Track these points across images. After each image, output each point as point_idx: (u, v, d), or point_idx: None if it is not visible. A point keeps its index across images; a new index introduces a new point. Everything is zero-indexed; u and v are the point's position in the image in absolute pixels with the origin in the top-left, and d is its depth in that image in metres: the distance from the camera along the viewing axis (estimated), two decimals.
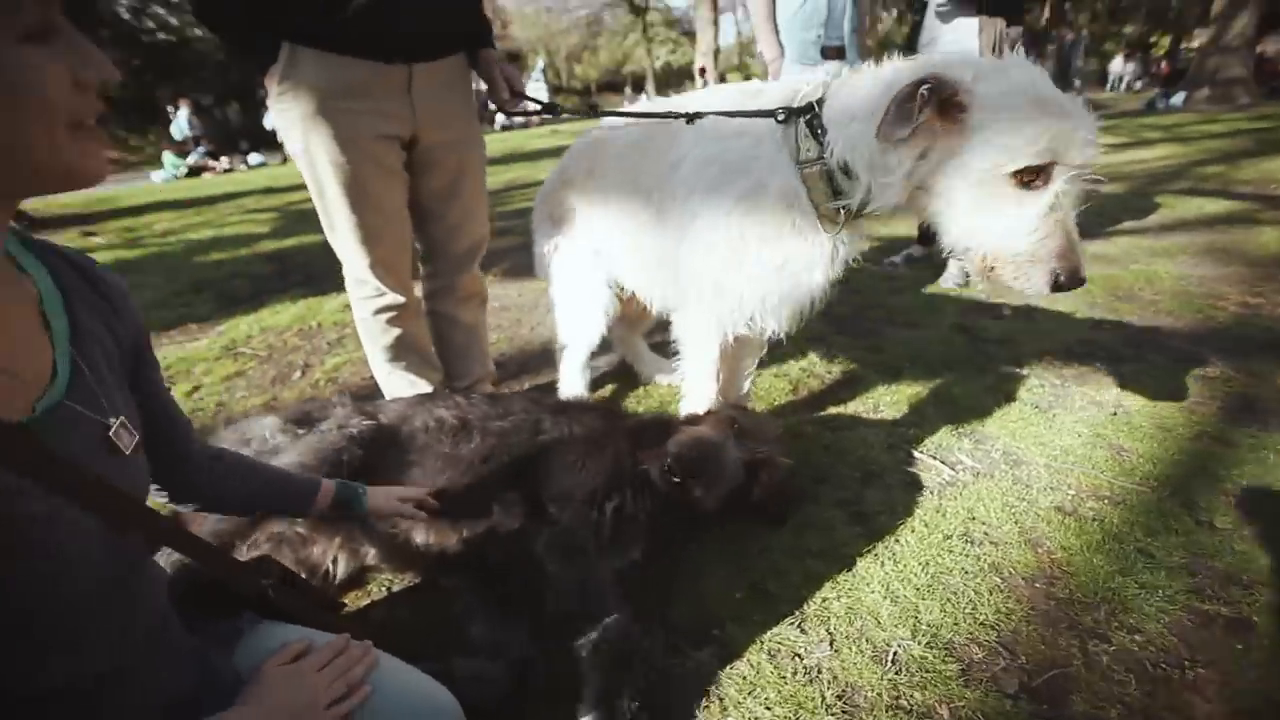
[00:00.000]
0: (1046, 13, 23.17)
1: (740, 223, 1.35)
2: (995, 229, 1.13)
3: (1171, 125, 9.84)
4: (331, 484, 1.11)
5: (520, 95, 1.74)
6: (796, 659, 1.17)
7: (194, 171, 12.90)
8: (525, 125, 21.67)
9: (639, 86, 33.30)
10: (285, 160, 13.93)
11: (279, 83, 1.38)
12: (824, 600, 1.29)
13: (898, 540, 1.44)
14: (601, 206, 1.74)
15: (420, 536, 1.27)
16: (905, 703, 1.08)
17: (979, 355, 2.33)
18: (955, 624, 1.22)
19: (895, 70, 1.19)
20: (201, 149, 13.55)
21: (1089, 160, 1.09)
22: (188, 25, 20.67)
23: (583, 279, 1.88)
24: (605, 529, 1.26)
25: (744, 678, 1.14)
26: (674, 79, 32.95)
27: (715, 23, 23.99)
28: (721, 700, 1.11)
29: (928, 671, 1.13)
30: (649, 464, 1.31)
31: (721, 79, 25.45)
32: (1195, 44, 18.31)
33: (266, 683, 0.78)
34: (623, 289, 1.88)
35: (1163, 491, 1.54)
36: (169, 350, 2.91)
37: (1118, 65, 19.95)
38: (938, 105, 1.08)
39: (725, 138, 1.38)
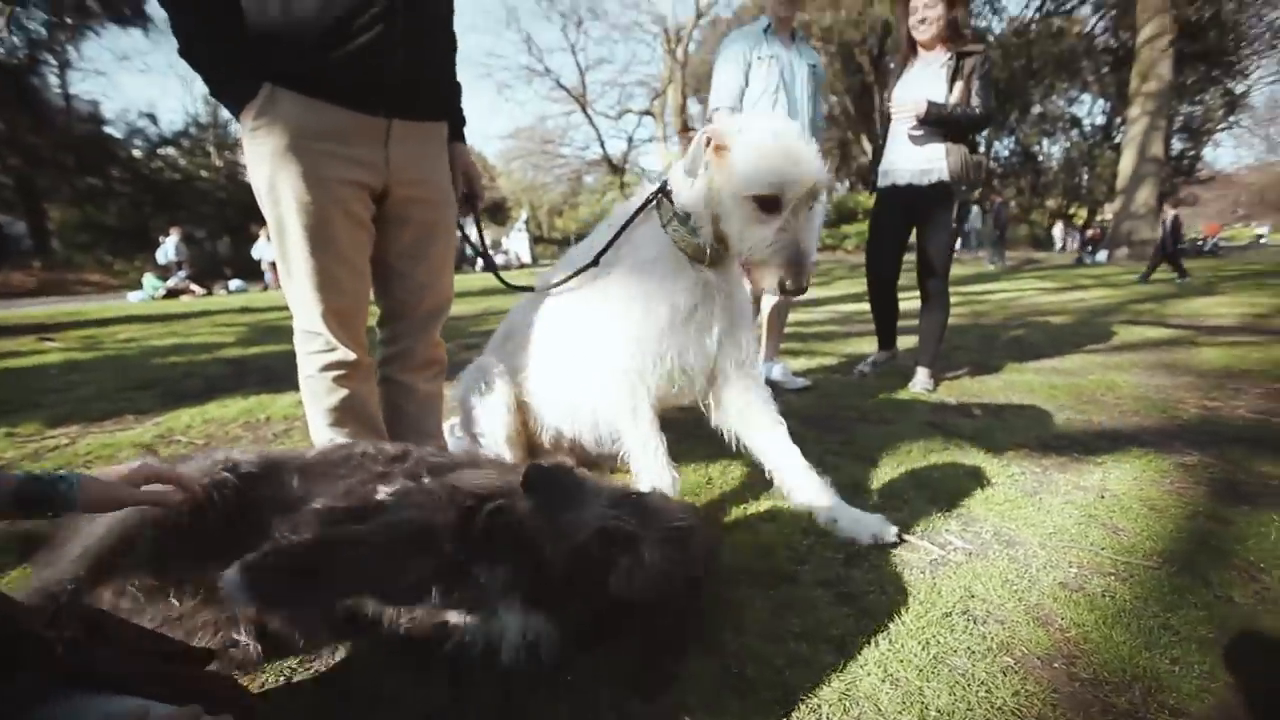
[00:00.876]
0: (978, 189, 26.28)
1: (641, 281, 1.67)
2: (747, 239, 1.48)
3: (1101, 275, 10.80)
4: (13, 477, 0.86)
5: (474, 200, 1.85)
6: None
7: (172, 294, 13.00)
8: (506, 266, 22.83)
9: None
10: (266, 288, 14.24)
11: (254, 117, 1.38)
12: (813, 686, 1.08)
13: (891, 619, 1.26)
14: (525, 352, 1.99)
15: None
16: None
17: (954, 447, 2.27)
18: (969, 709, 1.02)
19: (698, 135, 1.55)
20: (183, 273, 13.77)
21: (807, 193, 1.43)
22: (196, 166, 22.15)
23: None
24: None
25: None
26: None
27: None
28: None
29: None
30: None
31: None
32: (1108, 215, 20.81)
33: None
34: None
35: (1170, 568, 1.42)
36: (95, 439, 2.67)
37: (1058, 231, 24.75)
38: (715, 148, 1.50)
39: (622, 240, 1.77)
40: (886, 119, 3.21)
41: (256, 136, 1.40)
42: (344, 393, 1.60)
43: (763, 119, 1.52)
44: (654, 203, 1.71)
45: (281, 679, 1.15)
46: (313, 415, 1.63)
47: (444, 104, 1.67)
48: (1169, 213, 10.28)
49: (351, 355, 1.57)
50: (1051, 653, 1.16)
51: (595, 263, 1.77)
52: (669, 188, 1.67)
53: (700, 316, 1.67)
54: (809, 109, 3.10)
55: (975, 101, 2.91)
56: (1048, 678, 1.09)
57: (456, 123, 1.76)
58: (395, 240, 1.63)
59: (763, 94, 3.01)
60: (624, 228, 1.75)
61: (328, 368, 1.57)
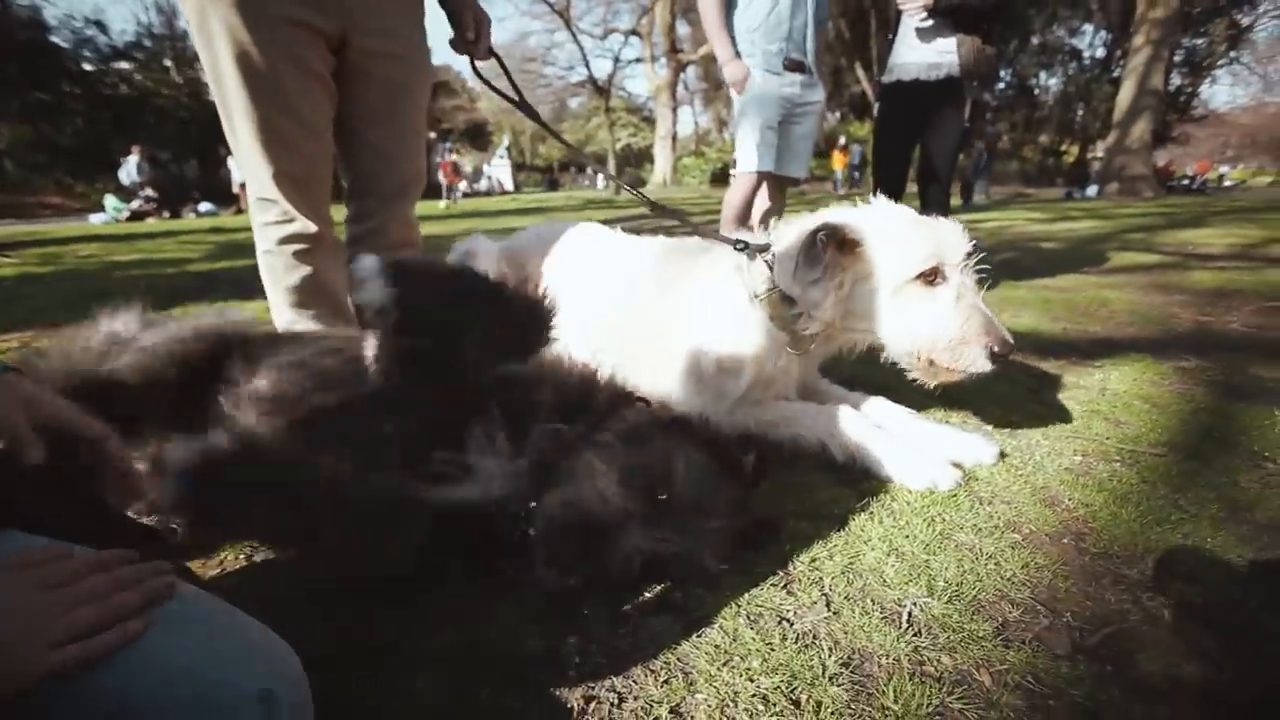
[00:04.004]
0: (971, 120, 25.57)
1: (720, 346, 1.50)
2: (923, 325, 1.29)
3: (1091, 208, 10.68)
4: None
5: (487, 47, 1.61)
6: (785, 624, 0.90)
7: (137, 216, 12.35)
8: (488, 193, 22.07)
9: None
10: (239, 211, 13.60)
11: None
12: (813, 560, 1.03)
13: (894, 498, 1.21)
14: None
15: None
16: (932, 668, 0.82)
17: None
18: (978, 580, 0.98)
19: (803, 223, 1.42)
20: (147, 193, 13.06)
21: (964, 255, 1.31)
22: (154, 82, 20.66)
23: None
24: None
25: (717, 647, 0.86)
26: (634, 159, 34.60)
27: (674, 110, 25.55)
28: (688, 674, 0.82)
29: (954, 632, 0.88)
30: None
31: (679, 160, 26.82)
32: (1099, 153, 20.48)
33: None
34: None
35: (1175, 455, 1.38)
36: (48, 344, 2.50)
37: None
38: (837, 245, 1.32)
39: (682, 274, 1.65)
40: (898, 15, 2.98)
41: None
42: (306, 270, 1.46)
43: (874, 209, 1.39)
44: (746, 262, 1.48)
45: (241, 558, 1.07)
46: (273, 295, 1.50)
47: None
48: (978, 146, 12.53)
49: (312, 227, 1.42)
50: (1060, 530, 1.12)
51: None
52: (766, 256, 1.44)
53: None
54: (811, 30, 2.87)
55: None
56: (1057, 552, 1.05)
57: None
58: (357, 100, 1.44)
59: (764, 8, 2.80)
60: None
61: (286, 240, 1.42)
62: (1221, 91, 70.09)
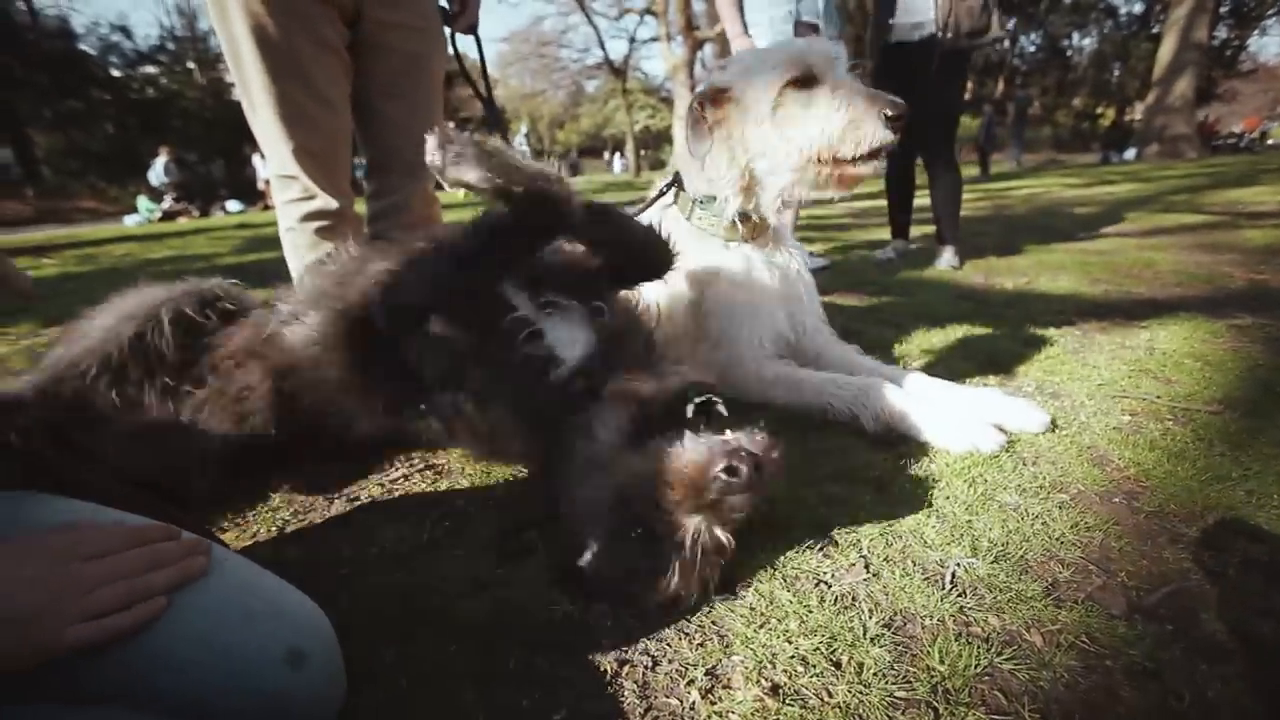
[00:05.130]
0: (1001, 85, 24.78)
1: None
2: (811, 125, 1.26)
3: (1130, 171, 10.25)
4: None
5: (470, 23, 1.57)
6: (823, 586, 0.87)
7: (169, 216, 12.67)
8: None
9: (619, 149, 34.48)
10: (267, 207, 13.85)
11: None
12: (851, 522, 1.00)
13: (933, 460, 1.17)
14: None
15: None
16: (979, 629, 0.78)
17: (988, 314, 2.12)
18: (1025, 541, 0.94)
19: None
20: (173, 195, 13.37)
21: (831, 58, 1.29)
22: (179, 84, 21.07)
23: None
24: None
25: (752, 609, 0.84)
26: (653, 142, 34.22)
27: (692, 89, 25.11)
28: (723, 637, 0.80)
29: (1001, 592, 0.84)
30: None
31: None
32: (1137, 115, 19.59)
33: None
34: None
35: (1232, 413, 1.30)
36: None
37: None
38: (711, 102, 1.35)
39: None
40: None
41: None
42: (328, 247, 1.45)
43: (737, 41, 1.47)
44: (671, 197, 1.53)
45: (274, 530, 1.08)
46: (296, 272, 1.50)
47: None
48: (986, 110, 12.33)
49: (334, 203, 1.42)
50: (1110, 489, 1.06)
51: None
52: (680, 179, 1.50)
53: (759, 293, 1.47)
54: None
55: None
56: (1108, 512, 1.00)
57: None
58: (373, 73, 1.43)
59: None
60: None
61: (308, 217, 1.42)
62: (1272, 43, 66.40)
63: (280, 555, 1.01)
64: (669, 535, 0.77)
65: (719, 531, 0.77)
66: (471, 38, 1.61)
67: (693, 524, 0.76)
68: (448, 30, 1.56)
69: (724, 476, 0.72)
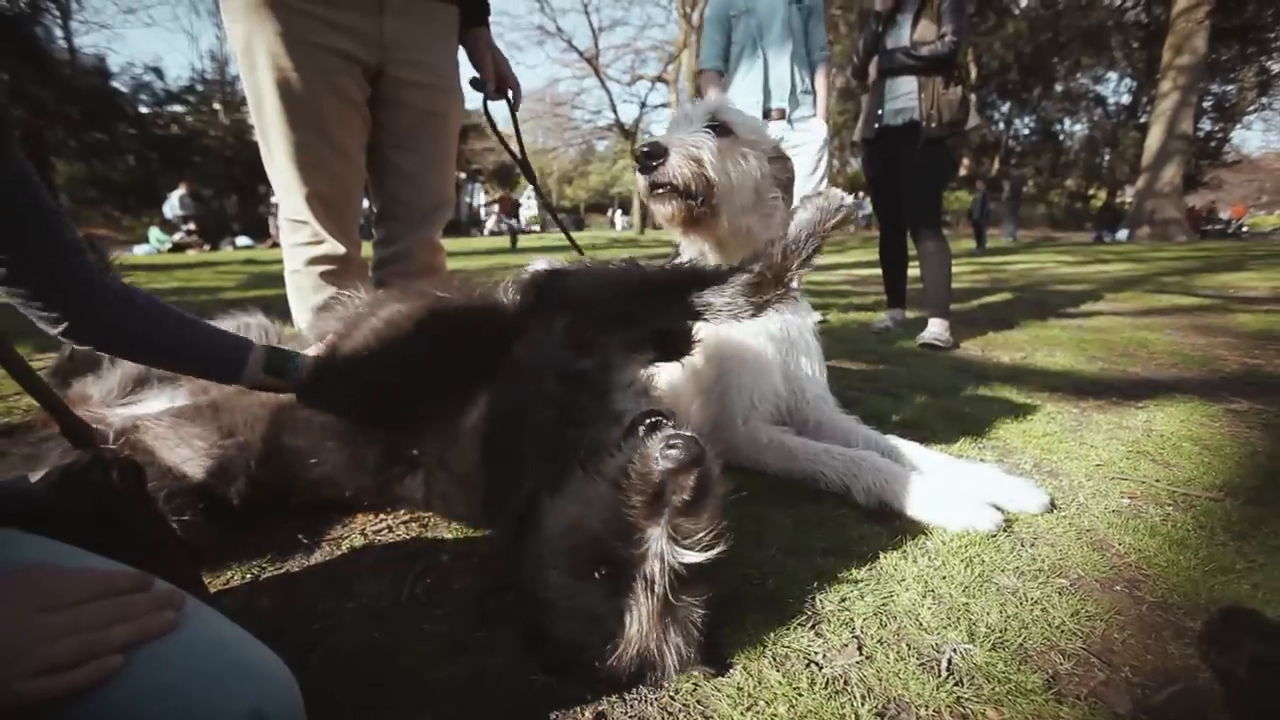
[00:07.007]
0: (996, 164, 25.73)
1: None
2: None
3: (1123, 251, 10.52)
4: (261, 347, 0.99)
5: (508, 90, 1.66)
6: (814, 667, 0.84)
7: (179, 248, 12.88)
8: (523, 230, 22.55)
9: (625, 208, 35.39)
10: (275, 245, 14.08)
11: None
12: (843, 599, 0.97)
13: (929, 537, 1.14)
14: None
15: None
16: None
17: (984, 387, 2.13)
18: (1023, 627, 0.90)
19: None
20: (189, 228, 13.64)
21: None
22: (203, 123, 21.84)
23: None
24: None
25: (739, 689, 0.80)
26: None
27: None
28: (708, 717, 0.76)
29: (1000, 683, 0.80)
30: None
31: None
32: (1128, 198, 20.29)
33: None
34: None
35: (1233, 500, 1.29)
36: None
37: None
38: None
39: None
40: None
41: None
42: (332, 291, 1.47)
43: None
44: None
45: (249, 575, 1.04)
46: (298, 313, 1.51)
47: None
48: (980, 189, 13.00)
49: (340, 249, 1.44)
50: (1111, 576, 1.03)
51: None
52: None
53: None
54: (800, 42, 3.08)
55: (946, 28, 2.78)
56: (1109, 600, 0.97)
57: (477, 7, 1.58)
58: (390, 127, 1.48)
59: (740, 52, 3.12)
60: None
61: (314, 261, 1.44)
62: (1254, 137, 69.43)
63: (253, 604, 0.97)
64: (631, 564, 0.74)
65: (682, 551, 0.74)
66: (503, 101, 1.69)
67: (654, 537, 0.73)
68: (480, 95, 1.64)
69: (666, 454, 0.72)
